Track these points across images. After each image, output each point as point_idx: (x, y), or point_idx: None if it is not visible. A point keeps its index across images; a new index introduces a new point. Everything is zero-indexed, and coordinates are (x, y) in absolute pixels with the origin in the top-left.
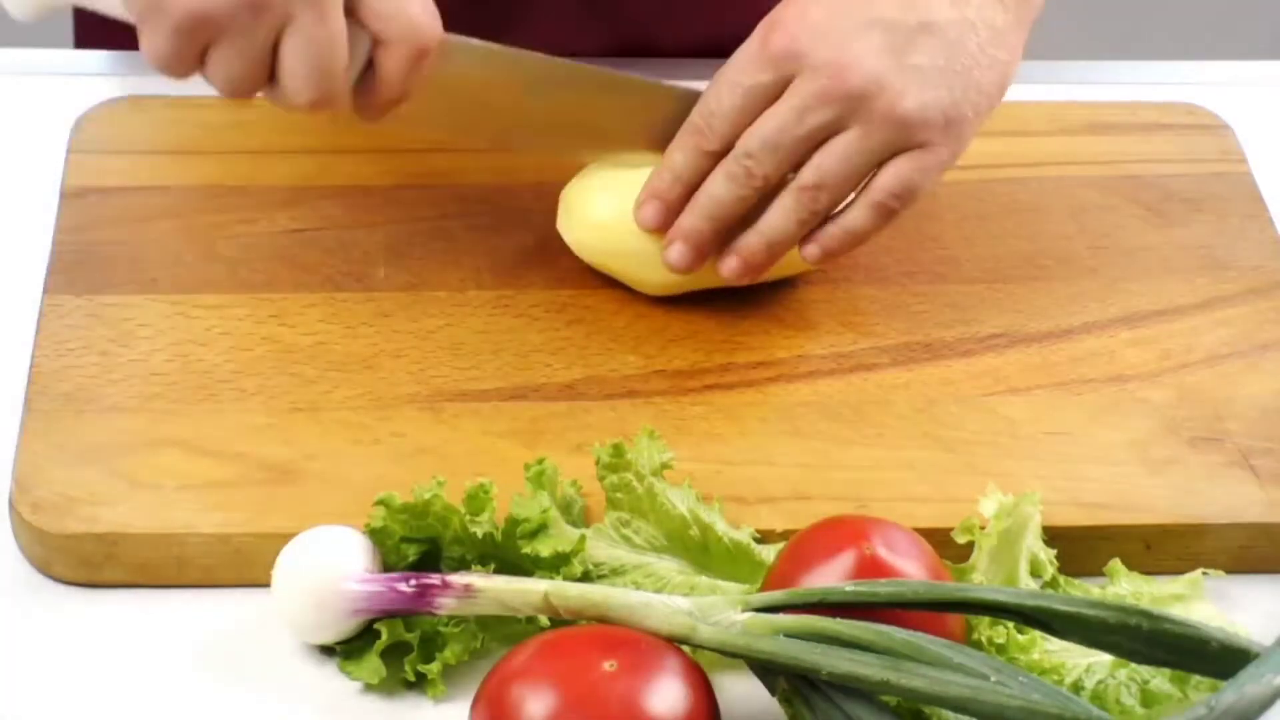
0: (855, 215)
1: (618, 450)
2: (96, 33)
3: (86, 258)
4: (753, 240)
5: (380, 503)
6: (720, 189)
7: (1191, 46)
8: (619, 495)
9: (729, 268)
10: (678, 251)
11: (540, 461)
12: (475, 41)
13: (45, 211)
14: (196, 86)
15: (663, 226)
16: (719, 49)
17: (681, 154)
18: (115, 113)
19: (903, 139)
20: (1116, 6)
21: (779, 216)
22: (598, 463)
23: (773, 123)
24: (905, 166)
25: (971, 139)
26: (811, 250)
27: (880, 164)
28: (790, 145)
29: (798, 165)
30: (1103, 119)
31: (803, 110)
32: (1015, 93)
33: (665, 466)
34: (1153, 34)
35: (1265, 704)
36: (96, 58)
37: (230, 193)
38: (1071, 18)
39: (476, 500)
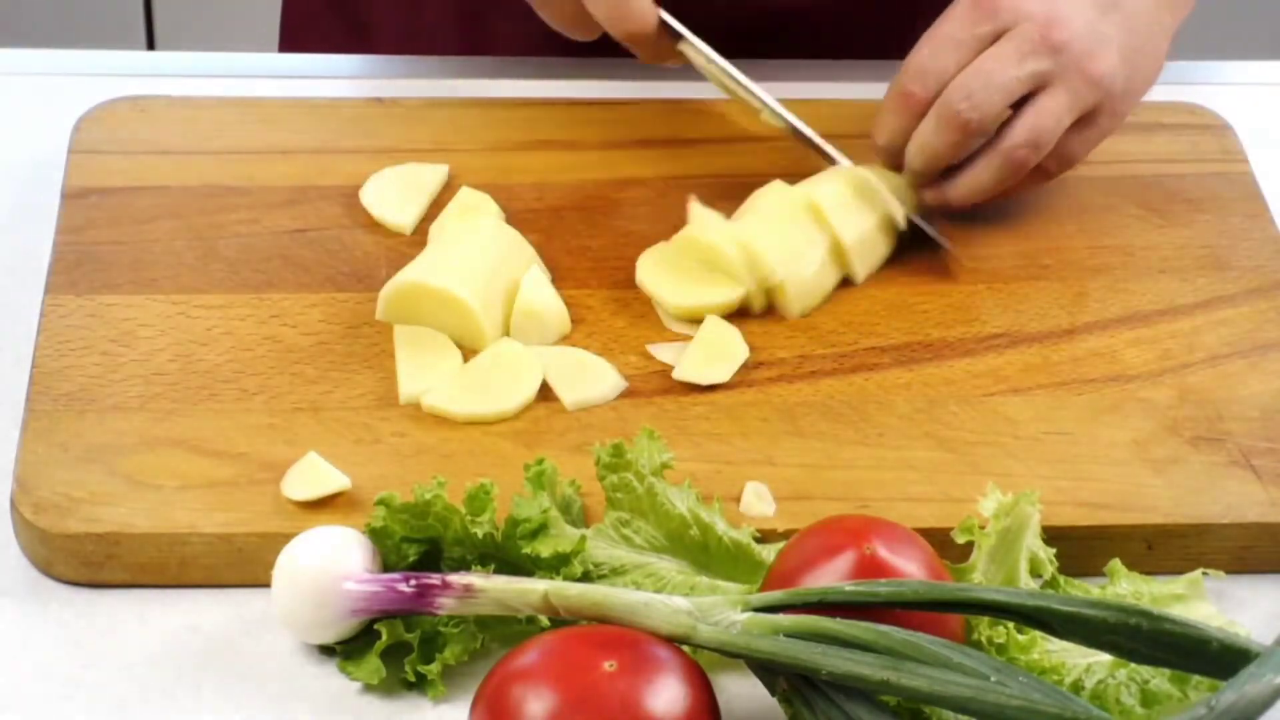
0: (1040, 175)
1: (618, 450)
2: (301, 35)
3: (87, 258)
4: (956, 193)
5: (380, 503)
6: (933, 137)
7: (1191, 46)
8: (619, 495)
9: (957, 195)
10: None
11: (540, 462)
12: (698, 49)
13: (46, 212)
14: (196, 86)
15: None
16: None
17: (894, 117)
18: (115, 113)
19: (1092, 101)
20: None
21: (985, 173)
22: (598, 463)
23: (992, 64)
24: (1074, 139)
25: (1123, 120)
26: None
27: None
28: (1006, 87)
29: (1000, 115)
30: None
31: (1021, 54)
32: None
33: (665, 466)
34: None
35: (1265, 704)
36: (96, 58)
37: (230, 193)
38: None
39: (477, 500)
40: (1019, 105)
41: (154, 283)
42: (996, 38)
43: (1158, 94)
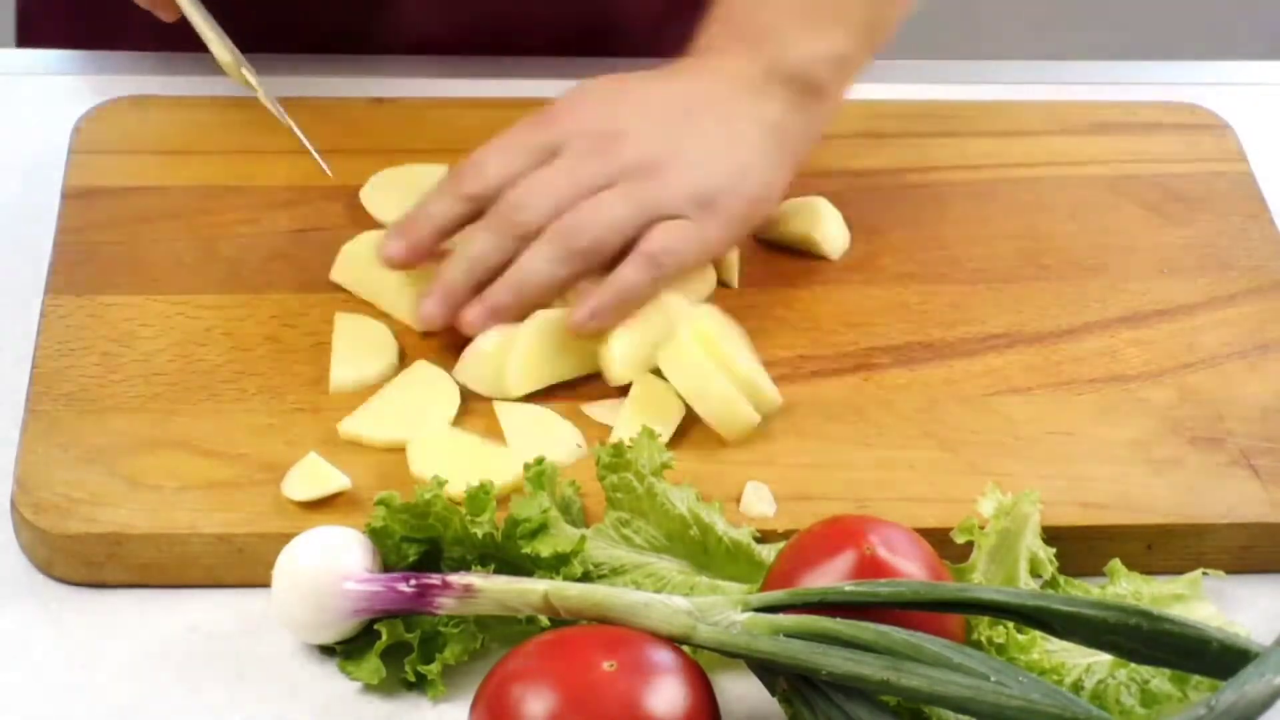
0: (626, 271)
1: (618, 450)
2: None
3: (87, 258)
4: (500, 289)
5: (380, 503)
6: (483, 243)
7: (1191, 46)
8: (619, 495)
9: (475, 315)
10: (432, 304)
11: (540, 461)
12: None
13: (46, 212)
14: (196, 86)
15: (406, 264)
16: (580, 43)
17: (440, 199)
18: (115, 113)
19: (663, 206)
20: (1116, 6)
21: (530, 258)
22: (598, 463)
23: (546, 174)
24: (672, 228)
25: (738, 231)
26: (582, 315)
27: (643, 227)
28: (558, 197)
29: (547, 220)
30: (1103, 119)
31: (575, 164)
32: (1015, 92)
33: (665, 466)
34: (1153, 34)
35: (1265, 704)
36: (96, 58)
37: (230, 193)
38: (1072, 18)
39: (477, 500)
40: None
41: (154, 283)
42: (554, 150)
43: (1158, 94)
